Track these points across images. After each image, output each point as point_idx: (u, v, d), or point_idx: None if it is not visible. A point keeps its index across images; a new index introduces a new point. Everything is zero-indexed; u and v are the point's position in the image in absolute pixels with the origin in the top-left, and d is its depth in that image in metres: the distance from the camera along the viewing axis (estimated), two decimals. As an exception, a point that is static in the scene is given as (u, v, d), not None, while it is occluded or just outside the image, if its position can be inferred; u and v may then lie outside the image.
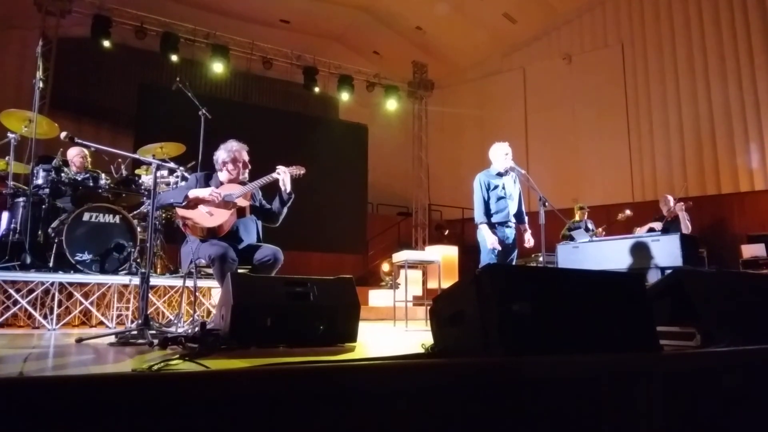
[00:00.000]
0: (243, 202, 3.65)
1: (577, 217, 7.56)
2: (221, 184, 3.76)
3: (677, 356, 1.96)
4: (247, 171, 3.82)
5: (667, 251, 5.27)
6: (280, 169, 3.70)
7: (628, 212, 7.20)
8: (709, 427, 1.85)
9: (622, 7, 11.34)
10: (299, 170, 3.74)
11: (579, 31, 11.89)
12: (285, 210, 3.80)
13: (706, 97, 10.20)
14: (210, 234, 3.52)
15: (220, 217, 3.55)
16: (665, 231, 6.18)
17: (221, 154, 3.78)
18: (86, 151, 5.28)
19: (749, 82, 9.75)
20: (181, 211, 3.57)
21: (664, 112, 10.64)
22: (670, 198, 6.99)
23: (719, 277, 2.67)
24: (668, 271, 4.52)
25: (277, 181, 3.69)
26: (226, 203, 3.59)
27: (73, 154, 5.31)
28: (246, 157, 3.81)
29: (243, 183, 3.81)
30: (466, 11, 11.37)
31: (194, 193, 3.57)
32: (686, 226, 6.58)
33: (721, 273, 3.59)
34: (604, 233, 7.26)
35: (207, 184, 3.74)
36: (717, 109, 10.06)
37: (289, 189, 3.71)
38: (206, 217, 3.55)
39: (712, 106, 10.12)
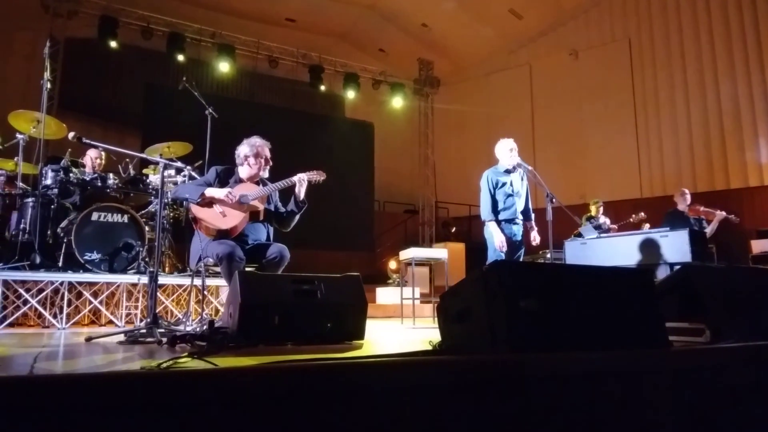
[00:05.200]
0: (258, 205, 3.64)
1: (592, 212, 7.48)
2: (240, 180, 3.76)
3: (686, 352, 1.95)
4: (268, 168, 3.82)
5: (675, 247, 5.24)
6: (300, 175, 3.68)
7: (642, 215, 7.17)
8: (718, 424, 1.84)
9: (628, 1, 11.25)
10: (320, 176, 3.70)
11: (585, 26, 11.80)
12: (297, 217, 3.80)
13: (714, 91, 10.10)
14: (221, 235, 3.53)
15: (233, 219, 3.55)
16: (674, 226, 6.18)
17: (243, 149, 3.78)
18: (103, 154, 5.34)
19: (758, 75, 9.64)
20: (194, 207, 3.60)
21: (672, 107, 10.55)
22: (688, 193, 6.94)
23: (728, 272, 2.64)
24: (677, 267, 4.51)
25: (294, 186, 3.69)
26: (240, 205, 3.59)
27: (91, 155, 5.36)
28: (268, 154, 3.81)
29: (263, 182, 3.81)
30: (471, 8, 11.32)
31: (210, 192, 3.58)
32: (712, 230, 6.81)
33: (731, 268, 3.56)
34: (617, 230, 7.22)
35: (226, 180, 3.74)
36: (725, 103, 9.95)
37: (302, 197, 3.71)
38: (219, 217, 3.55)
39: (720, 100, 10.02)
